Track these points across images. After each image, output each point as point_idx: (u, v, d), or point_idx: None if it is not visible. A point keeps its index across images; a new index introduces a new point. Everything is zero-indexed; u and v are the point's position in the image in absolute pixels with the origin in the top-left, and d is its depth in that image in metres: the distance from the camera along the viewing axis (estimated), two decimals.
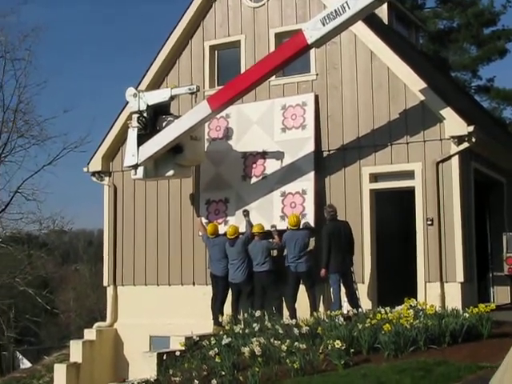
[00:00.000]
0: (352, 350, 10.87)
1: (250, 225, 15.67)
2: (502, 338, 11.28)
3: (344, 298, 14.53)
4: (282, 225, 15.58)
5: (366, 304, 14.78)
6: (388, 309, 12.47)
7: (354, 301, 14.44)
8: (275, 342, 11.75)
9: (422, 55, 23.87)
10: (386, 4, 18.96)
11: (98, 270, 48.34)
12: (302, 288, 15.11)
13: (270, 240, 15.42)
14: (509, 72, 74.62)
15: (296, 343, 11.41)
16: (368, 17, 15.62)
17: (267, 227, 15.63)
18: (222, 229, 16.11)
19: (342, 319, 12.35)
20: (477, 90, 39.44)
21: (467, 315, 11.46)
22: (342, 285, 14.55)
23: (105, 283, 18.50)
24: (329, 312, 13.38)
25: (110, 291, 18.35)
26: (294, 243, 14.94)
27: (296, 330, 12.11)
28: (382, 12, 19.97)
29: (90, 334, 17.80)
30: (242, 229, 15.77)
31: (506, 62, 72.70)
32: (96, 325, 18.56)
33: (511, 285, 17.59)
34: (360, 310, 13.41)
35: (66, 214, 44.79)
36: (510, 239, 13.66)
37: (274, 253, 15.52)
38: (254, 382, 10.67)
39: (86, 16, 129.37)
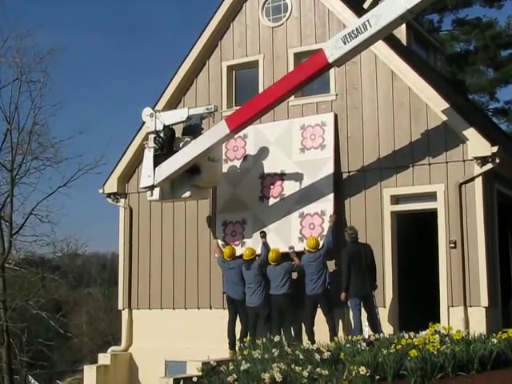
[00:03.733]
0: (377, 377, 10.51)
1: (267, 247, 15.37)
2: None
3: (365, 323, 14.20)
4: (300, 246, 15.29)
5: (387, 329, 14.44)
6: (412, 334, 12.11)
7: (375, 325, 14.12)
8: (296, 367, 11.41)
9: (440, 77, 23.64)
10: (404, 25, 18.90)
11: (111, 293, 48.10)
12: (320, 312, 14.78)
13: (291, 262, 15.12)
14: None
15: (318, 369, 11.07)
16: (388, 37, 15.44)
17: (285, 249, 15.33)
18: (239, 251, 15.83)
19: (364, 344, 12.01)
20: (494, 113, 39.20)
21: (495, 341, 11.09)
22: (362, 309, 14.23)
23: (120, 307, 18.23)
24: (350, 337, 13.04)
25: (124, 315, 18.07)
26: (312, 265, 14.63)
27: (317, 356, 11.76)
28: (401, 33, 19.81)
29: (104, 358, 17.51)
30: (259, 251, 15.48)
31: None
32: (110, 349, 18.27)
33: None
34: (382, 334, 13.06)
35: (79, 237, 44.39)
36: None
37: (294, 275, 15.18)
38: None
39: (100, 42, 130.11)
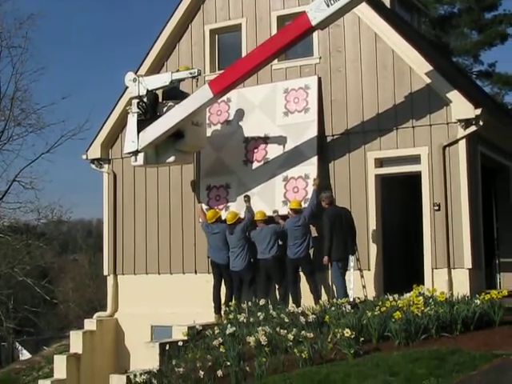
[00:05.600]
0: (361, 339, 10.59)
1: (250, 211, 15.35)
2: None
3: (350, 286, 14.26)
4: (284, 210, 15.30)
5: (372, 291, 14.52)
6: (396, 296, 12.20)
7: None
8: (281, 330, 11.49)
9: (424, 39, 23.53)
10: None
11: (96, 259, 48.14)
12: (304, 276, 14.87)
13: (278, 224, 15.12)
14: (510, 57, 74.37)
15: (303, 332, 11.16)
16: (371, 0, 15.31)
17: (269, 213, 15.33)
18: (223, 215, 15.82)
19: (349, 307, 12.08)
20: (478, 75, 39.15)
21: (478, 302, 11.19)
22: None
23: (105, 272, 18.21)
24: (335, 300, 13.12)
25: (110, 280, 18.06)
26: (297, 230, 14.65)
27: (302, 319, 11.85)
28: None
29: (90, 324, 17.53)
30: (243, 215, 15.48)
31: (507, 47, 72.48)
32: (96, 315, 18.26)
33: None
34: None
35: (64, 203, 44.39)
36: None
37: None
38: (260, 373, 10.42)
39: (84, 7, 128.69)
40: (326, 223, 14.39)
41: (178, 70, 15.69)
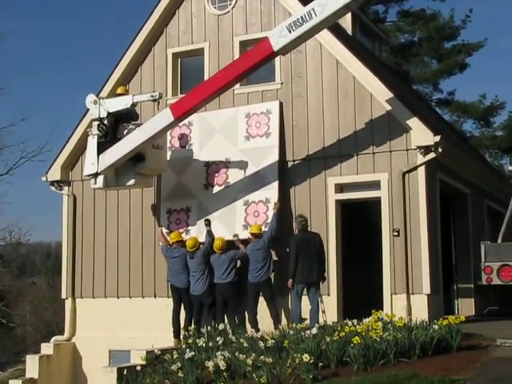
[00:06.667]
0: (320, 364, 10.58)
1: (210, 235, 15.32)
2: (470, 350, 11.19)
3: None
4: (244, 234, 15.29)
5: (331, 316, 14.53)
6: (355, 321, 12.21)
7: (314, 315, 14.10)
8: (240, 355, 11.42)
9: (385, 67, 23.82)
10: (350, 15, 18.99)
11: (55, 282, 47.44)
12: (263, 301, 14.82)
13: (238, 249, 15.10)
14: (469, 86, 75.54)
15: (262, 357, 11.10)
16: (333, 26, 15.54)
17: (229, 237, 15.31)
18: (183, 238, 15.76)
19: (314, 331, 12.03)
20: (438, 103, 39.72)
21: (436, 327, 11.24)
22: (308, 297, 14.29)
23: (63, 295, 18.01)
24: (294, 324, 13.09)
25: (68, 304, 17.87)
26: (258, 253, 14.64)
27: (261, 344, 11.80)
28: (346, 23, 19.88)
29: (47, 348, 17.30)
30: (203, 239, 15.43)
31: (466, 76, 73.57)
32: (53, 339, 18.04)
33: (494, 295, 17.33)
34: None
35: (23, 226, 43.97)
36: (488, 248, 13.54)
37: (239, 263, 15.16)
38: None
39: (45, 25, 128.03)
40: (292, 247, 14.41)
41: (116, 93, 15.73)
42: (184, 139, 16.67)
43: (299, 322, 13.51)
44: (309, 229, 14.78)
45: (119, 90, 16.07)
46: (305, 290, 14.38)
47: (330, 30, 15.36)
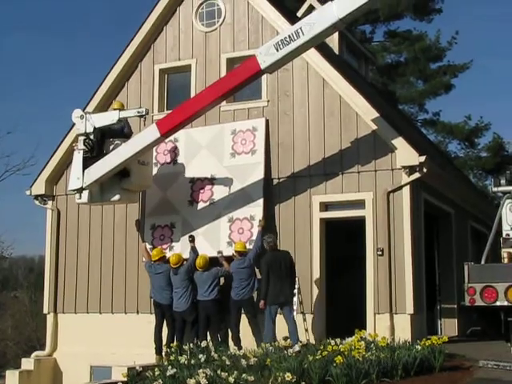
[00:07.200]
0: (303, 383, 10.52)
1: (195, 251, 15.27)
2: (453, 370, 11.21)
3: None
4: (229, 251, 15.26)
5: (313, 335, 14.50)
6: (338, 340, 12.19)
7: (292, 333, 14.01)
8: (222, 373, 11.34)
9: (371, 87, 23.94)
10: (337, 34, 19.12)
11: (38, 297, 47.15)
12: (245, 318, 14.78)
13: (218, 267, 15.06)
14: (454, 106, 75.91)
15: (244, 375, 11.02)
16: (320, 46, 15.62)
17: (213, 253, 15.27)
18: (167, 254, 15.71)
19: (297, 348, 11.98)
20: (423, 124, 39.89)
21: (419, 347, 11.25)
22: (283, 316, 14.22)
23: (45, 310, 17.91)
24: (277, 343, 13.03)
25: (50, 319, 17.77)
26: (243, 271, 14.60)
27: (244, 362, 11.73)
28: (333, 42, 20.04)
29: (27, 363, 17.18)
30: (188, 255, 15.38)
31: (451, 97, 73.87)
32: (34, 354, 17.91)
33: (477, 316, 17.30)
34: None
35: (6, 239, 43.70)
36: (471, 269, 13.56)
37: (221, 280, 15.12)
38: None
39: (31, 38, 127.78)
40: (262, 268, 14.31)
41: (113, 108, 15.72)
42: (169, 155, 16.66)
43: (271, 341, 13.40)
44: (285, 247, 14.76)
45: (115, 105, 16.04)
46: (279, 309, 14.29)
47: (317, 48, 15.43)
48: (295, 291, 14.83)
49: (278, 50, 13.77)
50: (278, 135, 15.89)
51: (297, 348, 12.01)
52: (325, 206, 15.46)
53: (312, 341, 14.00)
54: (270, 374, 10.99)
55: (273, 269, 14.14)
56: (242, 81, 14.35)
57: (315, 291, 15.08)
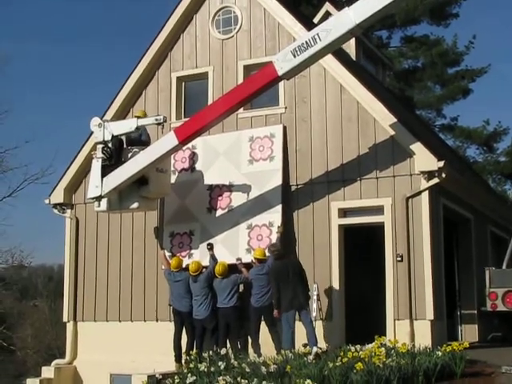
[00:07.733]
0: None
1: (214, 259, 15.27)
2: (474, 377, 11.12)
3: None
4: (248, 258, 15.24)
5: (334, 342, 14.44)
6: (358, 347, 12.13)
7: (311, 338, 13.95)
8: (242, 380, 11.33)
9: (389, 92, 23.89)
10: (354, 40, 19.08)
11: (57, 306, 47.33)
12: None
13: (237, 274, 15.03)
14: (472, 111, 75.71)
15: (264, 382, 11.00)
16: (337, 52, 15.59)
17: (232, 260, 15.25)
18: (186, 262, 15.70)
19: (315, 349, 11.94)
20: (441, 129, 39.77)
21: (440, 354, 11.17)
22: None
23: (64, 319, 17.95)
24: (297, 350, 12.98)
25: (69, 327, 17.81)
26: (262, 278, 14.57)
27: (263, 369, 11.70)
28: (350, 48, 20.02)
29: (47, 371, 17.21)
30: (207, 262, 15.36)
31: (469, 102, 73.71)
32: (54, 362, 17.97)
33: (499, 322, 17.19)
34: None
35: (25, 248, 43.90)
36: (493, 274, 13.46)
37: (241, 287, 15.10)
38: None
39: (49, 51, 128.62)
40: (271, 278, 14.24)
41: (136, 116, 15.74)
42: (187, 162, 16.68)
43: (289, 347, 13.35)
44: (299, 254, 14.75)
45: (138, 113, 16.07)
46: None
47: (334, 54, 15.41)
48: (314, 297, 14.81)
49: (295, 57, 13.76)
50: (295, 142, 15.88)
51: (315, 349, 11.96)
52: (343, 212, 15.42)
53: (332, 347, 13.93)
54: (290, 381, 10.97)
55: (280, 277, 14.03)
56: (259, 88, 14.34)
57: (334, 297, 15.03)
